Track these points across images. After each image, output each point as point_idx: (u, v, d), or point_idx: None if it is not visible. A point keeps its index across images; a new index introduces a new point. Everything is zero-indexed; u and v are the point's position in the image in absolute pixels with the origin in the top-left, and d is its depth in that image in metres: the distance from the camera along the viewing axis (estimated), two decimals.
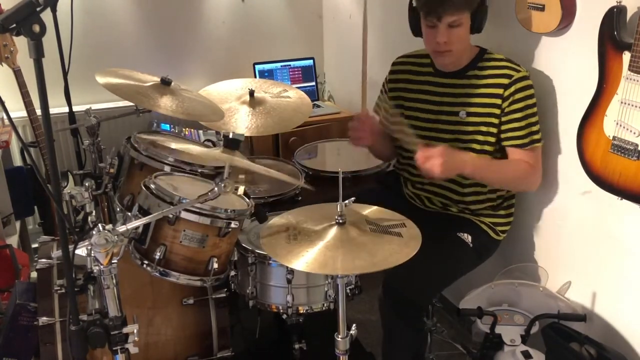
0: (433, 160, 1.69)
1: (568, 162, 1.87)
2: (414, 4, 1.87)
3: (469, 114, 1.89)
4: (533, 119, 1.83)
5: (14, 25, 1.01)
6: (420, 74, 2.02)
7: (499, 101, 1.83)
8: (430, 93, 1.98)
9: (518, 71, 1.83)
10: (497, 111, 1.84)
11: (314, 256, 1.32)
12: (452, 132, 1.93)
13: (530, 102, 1.83)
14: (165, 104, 1.86)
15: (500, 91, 1.83)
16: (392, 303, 1.84)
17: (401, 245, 1.37)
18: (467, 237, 1.94)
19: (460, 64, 1.90)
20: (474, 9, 1.79)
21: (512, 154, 1.86)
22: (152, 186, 1.69)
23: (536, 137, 1.84)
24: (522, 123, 1.82)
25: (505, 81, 1.82)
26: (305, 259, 1.32)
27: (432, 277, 1.86)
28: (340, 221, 1.41)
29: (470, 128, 1.89)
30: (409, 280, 1.80)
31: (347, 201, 1.43)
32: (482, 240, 1.97)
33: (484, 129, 1.87)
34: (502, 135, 1.86)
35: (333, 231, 1.40)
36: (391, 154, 2.18)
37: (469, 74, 1.89)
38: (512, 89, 1.82)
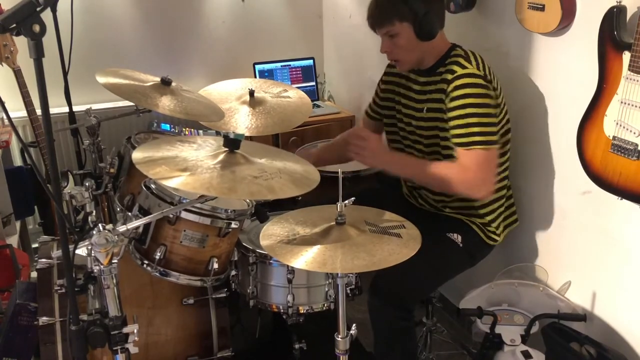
0: (362, 146, 1.83)
1: (568, 162, 1.87)
2: None
3: (428, 110, 1.90)
4: (474, 119, 1.74)
5: (14, 25, 1.01)
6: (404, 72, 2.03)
7: (443, 96, 1.82)
8: (411, 90, 2.00)
9: (464, 67, 1.78)
10: (444, 107, 1.82)
11: (314, 255, 1.32)
12: (417, 127, 1.95)
13: (472, 100, 1.74)
14: (165, 103, 1.86)
15: (445, 87, 1.81)
16: (379, 303, 1.84)
17: (400, 245, 1.37)
18: (457, 237, 1.92)
19: (428, 63, 1.90)
20: (411, 17, 1.78)
21: (456, 152, 1.80)
22: (153, 186, 1.69)
23: (477, 138, 1.73)
24: (462, 121, 1.75)
25: (449, 77, 1.80)
26: (304, 258, 1.32)
27: (419, 277, 1.84)
28: (341, 221, 1.41)
29: (430, 124, 1.90)
30: (395, 280, 1.80)
31: (347, 201, 1.43)
32: (473, 241, 1.95)
33: (442, 124, 1.86)
34: (449, 132, 1.82)
35: (333, 231, 1.40)
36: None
37: (439, 71, 1.87)
38: (452, 85, 1.78)
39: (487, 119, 1.76)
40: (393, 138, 2.09)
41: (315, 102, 3.44)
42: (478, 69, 1.79)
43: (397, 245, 1.37)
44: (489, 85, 1.78)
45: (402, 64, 1.91)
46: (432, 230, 1.89)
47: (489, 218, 1.95)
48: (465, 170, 1.76)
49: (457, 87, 1.77)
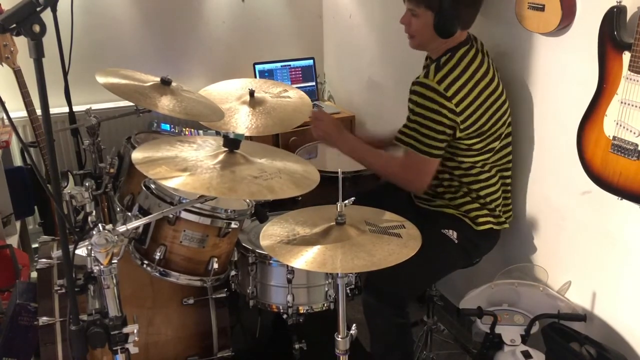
0: (318, 122, 2.02)
1: (568, 162, 1.87)
2: None
3: None
4: (421, 128, 1.81)
5: (14, 25, 1.01)
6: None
7: None
8: None
9: (426, 76, 1.82)
10: None
11: (314, 255, 1.32)
12: None
13: (419, 110, 1.81)
14: (165, 103, 1.86)
15: None
16: (374, 301, 1.84)
17: (400, 245, 1.38)
18: (452, 234, 1.93)
19: (435, 54, 1.93)
20: (436, 10, 1.80)
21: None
22: (153, 186, 1.69)
23: (417, 145, 1.82)
24: (409, 124, 1.85)
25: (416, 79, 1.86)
26: (304, 258, 1.32)
27: (413, 275, 1.85)
28: (341, 221, 1.41)
29: None
30: (390, 278, 1.80)
31: (347, 201, 1.43)
32: (466, 235, 1.95)
33: None
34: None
35: (333, 231, 1.40)
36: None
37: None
38: (411, 88, 1.85)
39: (429, 131, 1.81)
40: None
41: (315, 102, 3.43)
42: (440, 83, 1.79)
43: (397, 245, 1.37)
44: (444, 102, 1.78)
45: (413, 41, 1.95)
46: (428, 228, 1.90)
47: (476, 201, 1.95)
48: (403, 167, 1.91)
49: (412, 92, 1.85)
